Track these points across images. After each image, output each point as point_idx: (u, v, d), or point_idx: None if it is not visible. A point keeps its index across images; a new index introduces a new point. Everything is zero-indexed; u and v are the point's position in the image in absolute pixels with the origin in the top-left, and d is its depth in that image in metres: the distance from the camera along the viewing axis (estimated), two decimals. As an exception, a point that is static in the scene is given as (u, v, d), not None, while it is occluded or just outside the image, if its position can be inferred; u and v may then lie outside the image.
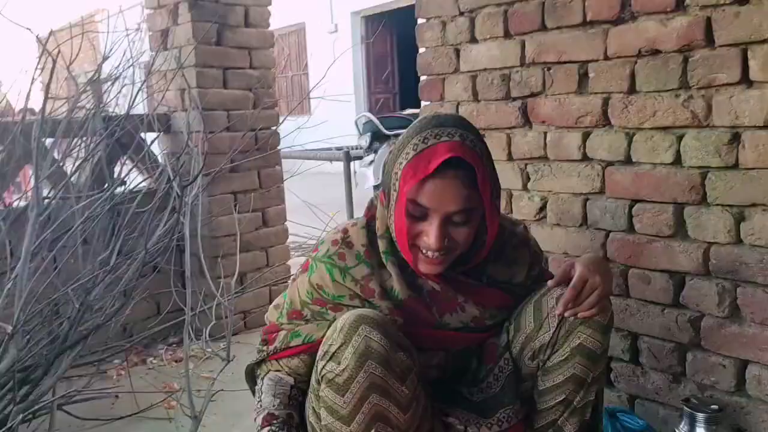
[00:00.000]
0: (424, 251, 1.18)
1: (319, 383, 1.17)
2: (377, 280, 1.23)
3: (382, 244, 1.24)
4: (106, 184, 2.34)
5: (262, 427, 1.24)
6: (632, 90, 1.60)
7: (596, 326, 1.22)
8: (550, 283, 1.26)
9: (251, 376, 1.42)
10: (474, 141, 1.18)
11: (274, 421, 1.24)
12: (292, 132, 3.20)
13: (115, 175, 2.51)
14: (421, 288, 1.25)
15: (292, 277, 1.36)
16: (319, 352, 1.18)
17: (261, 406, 1.29)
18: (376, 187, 5.53)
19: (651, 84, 1.56)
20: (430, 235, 1.15)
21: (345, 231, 1.28)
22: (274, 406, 1.27)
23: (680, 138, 1.52)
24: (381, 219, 1.24)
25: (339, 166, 5.71)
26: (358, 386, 1.11)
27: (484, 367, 1.32)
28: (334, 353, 1.13)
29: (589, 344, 1.22)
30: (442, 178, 1.13)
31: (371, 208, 1.29)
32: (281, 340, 1.31)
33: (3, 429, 1.57)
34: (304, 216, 3.70)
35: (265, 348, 1.35)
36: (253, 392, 1.38)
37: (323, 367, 1.15)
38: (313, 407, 1.21)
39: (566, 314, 1.20)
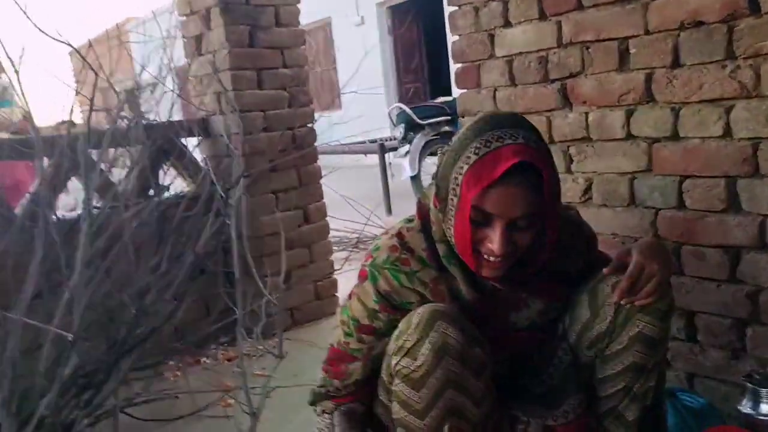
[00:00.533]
0: (486, 256, 1.15)
1: (392, 377, 1.17)
2: (444, 283, 1.21)
3: (441, 249, 1.21)
4: (152, 191, 2.39)
5: None
6: (676, 64, 1.56)
7: (655, 313, 1.19)
8: (605, 270, 1.23)
9: (313, 400, 1.37)
10: (537, 142, 1.14)
11: None
12: (323, 128, 3.22)
13: (160, 182, 2.57)
14: (484, 288, 1.23)
15: (348, 295, 1.30)
16: (392, 346, 1.16)
17: None
18: (413, 178, 5.54)
19: (695, 56, 1.52)
20: (494, 241, 1.11)
21: (401, 236, 1.23)
22: None
23: (729, 110, 1.48)
24: (437, 223, 1.21)
25: (374, 158, 5.74)
26: (434, 382, 1.10)
27: (545, 358, 1.32)
28: (409, 349, 1.12)
29: (647, 331, 1.20)
30: (508, 185, 1.08)
31: (422, 209, 1.26)
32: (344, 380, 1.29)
33: (71, 433, 1.63)
34: (342, 211, 3.73)
35: (328, 385, 1.32)
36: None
37: (398, 362, 1.14)
38: (381, 400, 1.22)
39: (623, 302, 1.18)
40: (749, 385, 1.42)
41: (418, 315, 1.13)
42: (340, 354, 1.30)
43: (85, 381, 1.91)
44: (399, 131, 5.68)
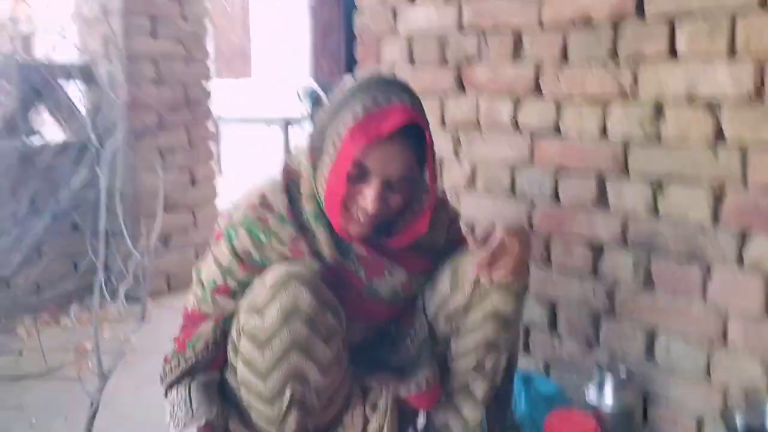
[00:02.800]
0: (355, 213, 1.14)
1: (239, 335, 1.13)
2: (305, 242, 1.18)
3: (309, 206, 1.18)
4: (19, 133, 2.20)
5: None
6: (564, 59, 1.60)
7: (510, 292, 1.21)
8: (470, 243, 1.23)
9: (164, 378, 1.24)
10: (422, 109, 1.15)
11: None
12: (227, 94, 3.10)
13: (29, 124, 2.37)
14: (348, 252, 1.21)
15: (203, 256, 1.24)
16: (243, 304, 1.13)
17: (192, 415, 1.16)
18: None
19: (582, 54, 1.56)
20: (367, 197, 1.11)
21: (262, 195, 1.19)
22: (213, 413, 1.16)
23: (607, 109, 1.53)
24: (307, 179, 1.18)
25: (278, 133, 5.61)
26: (279, 343, 1.07)
27: (401, 330, 1.31)
28: (260, 308, 1.08)
29: (500, 310, 1.21)
30: (393, 143, 1.09)
31: (287, 169, 1.23)
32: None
33: None
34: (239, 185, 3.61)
35: (177, 357, 1.21)
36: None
37: (246, 321, 1.10)
38: (231, 362, 1.17)
39: (480, 276, 1.18)
40: (597, 374, 1.48)
41: (272, 274, 1.09)
42: (192, 317, 1.23)
43: None
44: (307, 107, 5.59)
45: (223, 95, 3.02)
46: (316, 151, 1.16)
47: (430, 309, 1.28)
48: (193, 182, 2.82)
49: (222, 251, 1.18)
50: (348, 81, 1.17)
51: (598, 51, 1.53)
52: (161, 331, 2.32)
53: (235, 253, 1.17)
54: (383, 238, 1.22)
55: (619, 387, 1.45)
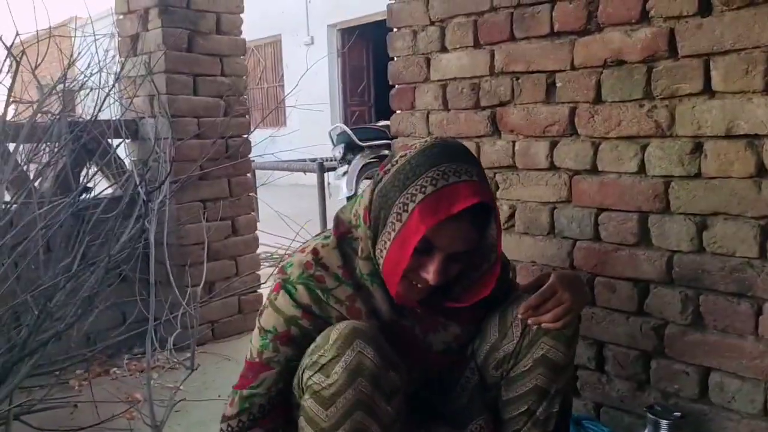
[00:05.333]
0: (414, 282, 1.15)
1: (303, 391, 1.14)
2: (361, 300, 1.19)
3: (365, 267, 1.19)
4: (71, 190, 2.29)
5: None
6: (598, 100, 1.62)
7: (560, 338, 1.21)
8: (521, 287, 1.25)
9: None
10: (485, 179, 1.17)
11: None
12: (264, 140, 3.18)
13: (81, 181, 2.47)
14: (402, 309, 1.22)
15: (262, 307, 1.25)
16: (307, 360, 1.13)
17: None
18: (348, 199, 5.54)
19: (616, 94, 1.58)
20: (430, 272, 1.12)
21: (316, 252, 1.21)
22: None
23: (644, 147, 1.54)
24: (364, 240, 1.19)
25: (313, 177, 5.70)
26: (344, 402, 1.07)
27: (453, 378, 1.31)
28: (323, 365, 1.09)
29: (552, 355, 1.21)
30: (461, 221, 1.10)
31: (340, 226, 1.24)
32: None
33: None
34: (276, 227, 3.67)
35: (240, 405, 1.22)
36: None
37: (310, 377, 1.11)
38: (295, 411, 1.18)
39: (529, 322, 1.19)
40: (650, 416, 1.46)
41: (336, 331, 1.10)
42: (253, 367, 1.22)
43: (-23, 384, 1.79)
44: (338, 151, 5.68)
45: (260, 144, 3.10)
46: (377, 215, 1.16)
47: (479, 356, 1.29)
48: (234, 231, 2.88)
49: (283, 302, 1.19)
50: (412, 148, 1.16)
51: (632, 90, 1.54)
52: (209, 378, 2.37)
53: (297, 305, 1.18)
54: (441, 299, 1.22)
55: (673, 428, 1.42)
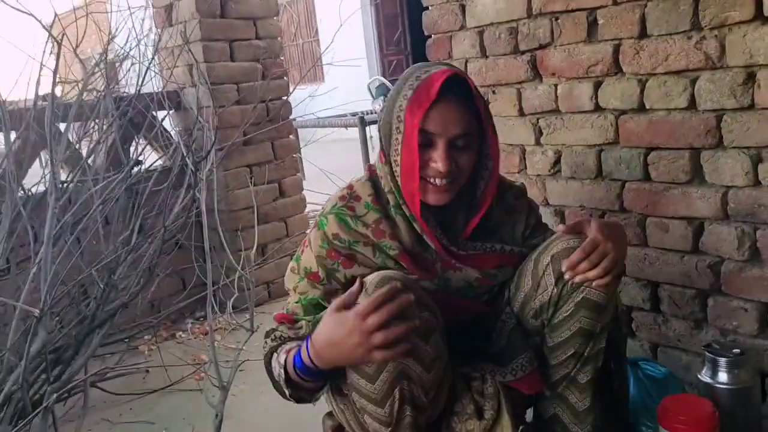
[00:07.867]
0: (432, 180, 1.22)
1: None
2: (387, 225, 1.27)
3: (391, 199, 1.27)
4: (123, 165, 2.36)
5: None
6: (643, 34, 1.56)
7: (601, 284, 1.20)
8: (561, 228, 1.25)
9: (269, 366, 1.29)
10: (464, 72, 1.26)
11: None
12: (303, 100, 3.18)
13: (131, 155, 2.53)
14: (425, 244, 1.28)
15: (303, 242, 1.35)
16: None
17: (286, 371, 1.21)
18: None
19: (662, 27, 1.51)
20: (438, 159, 1.20)
21: (350, 187, 1.32)
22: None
23: (694, 81, 1.48)
24: (384, 176, 1.27)
25: (355, 132, 5.69)
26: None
27: (489, 323, 1.33)
28: None
29: (593, 296, 1.21)
30: (446, 101, 1.19)
31: (371, 168, 1.34)
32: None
33: (39, 408, 1.63)
34: (322, 184, 3.71)
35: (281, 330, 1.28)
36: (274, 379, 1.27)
37: None
38: None
39: (576, 280, 1.19)
40: (708, 354, 1.44)
41: (368, 280, 1.13)
42: (288, 317, 1.29)
43: (54, 356, 1.90)
44: (379, 104, 5.63)
45: (300, 103, 3.10)
46: (385, 141, 1.25)
47: (515, 304, 1.30)
48: (282, 193, 2.93)
49: (315, 237, 1.28)
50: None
51: (679, 22, 1.48)
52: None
53: (326, 238, 1.26)
54: (459, 231, 1.29)
55: (733, 365, 1.40)
